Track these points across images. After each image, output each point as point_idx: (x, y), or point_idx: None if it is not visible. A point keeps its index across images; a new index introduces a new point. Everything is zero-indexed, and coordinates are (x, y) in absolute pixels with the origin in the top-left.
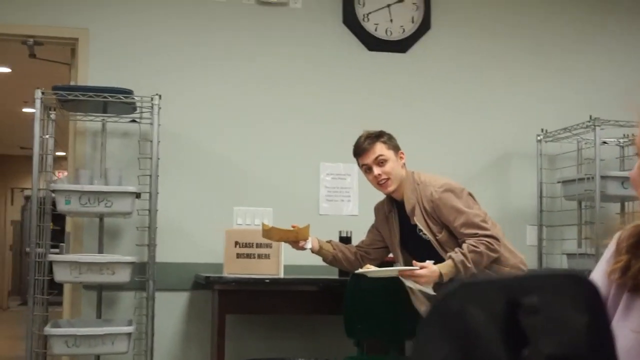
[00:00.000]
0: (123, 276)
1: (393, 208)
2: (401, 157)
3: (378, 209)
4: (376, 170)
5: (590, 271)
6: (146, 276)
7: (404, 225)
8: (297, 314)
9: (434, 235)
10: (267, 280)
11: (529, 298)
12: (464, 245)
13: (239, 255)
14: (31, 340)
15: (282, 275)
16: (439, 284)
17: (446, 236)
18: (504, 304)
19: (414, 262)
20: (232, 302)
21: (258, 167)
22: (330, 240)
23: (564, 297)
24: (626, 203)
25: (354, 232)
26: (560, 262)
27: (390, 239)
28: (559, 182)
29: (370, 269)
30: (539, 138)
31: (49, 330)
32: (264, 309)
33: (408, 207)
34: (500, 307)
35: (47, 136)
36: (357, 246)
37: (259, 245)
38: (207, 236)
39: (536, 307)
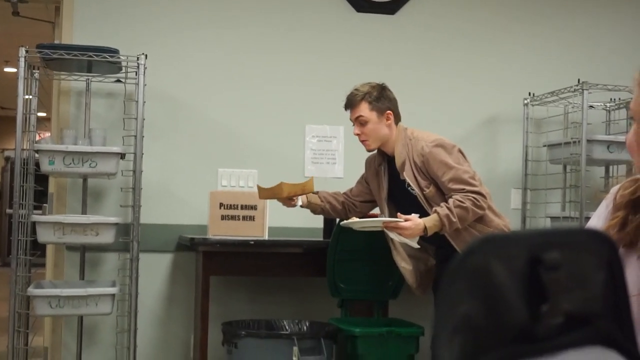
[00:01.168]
0: (107, 237)
1: (383, 162)
2: (387, 118)
3: (369, 161)
4: (356, 129)
5: None
6: (130, 237)
7: (392, 180)
8: (281, 275)
9: (422, 190)
10: (252, 242)
11: (550, 254)
12: (450, 200)
13: (223, 217)
14: (14, 301)
15: (266, 237)
16: (422, 238)
17: (433, 192)
18: (525, 260)
19: (398, 214)
20: (217, 263)
21: (243, 129)
22: (318, 192)
23: (584, 253)
24: (611, 167)
25: None
26: (544, 226)
27: (378, 193)
28: (544, 145)
29: (355, 220)
30: (525, 102)
31: (32, 291)
32: (249, 270)
33: (398, 162)
34: (521, 262)
35: (30, 96)
36: (344, 194)
37: (243, 207)
38: (191, 198)
39: (557, 263)
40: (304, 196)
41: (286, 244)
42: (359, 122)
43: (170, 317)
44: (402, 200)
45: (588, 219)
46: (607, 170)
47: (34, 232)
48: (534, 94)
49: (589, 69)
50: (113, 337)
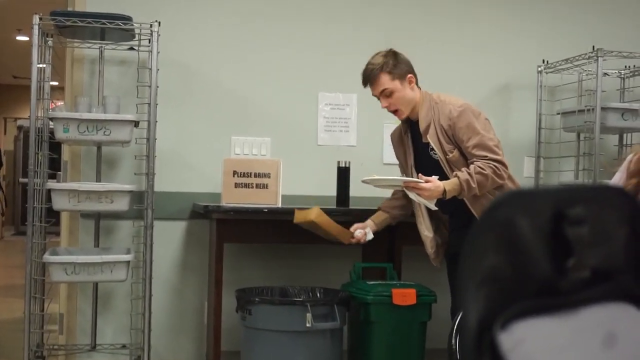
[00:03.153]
0: (121, 205)
1: (408, 128)
2: (410, 81)
3: (393, 134)
4: (383, 102)
5: None
6: (144, 205)
7: (416, 145)
8: (294, 243)
9: (445, 154)
10: (265, 210)
11: (575, 209)
12: (472, 166)
13: (237, 185)
14: (30, 268)
15: (280, 205)
16: (441, 200)
17: (457, 157)
18: (550, 215)
19: (419, 175)
20: (230, 231)
21: (257, 97)
22: (379, 208)
23: (608, 209)
24: (625, 135)
25: (352, 163)
26: None
27: (404, 161)
28: (558, 113)
29: (376, 177)
30: (539, 69)
31: (48, 257)
32: (262, 238)
33: (422, 126)
34: (546, 217)
35: (44, 64)
36: (393, 192)
37: (257, 175)
38: (205, 165)
39: (581, 218)
40: (371, 225)
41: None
42: (384, 95)
43: (184, 284)
44: (426, 165)
45: None
46: (620, 138)
47: (48, 199)
48: (547, 61)
49: (603, 36)
50: (128, 303)
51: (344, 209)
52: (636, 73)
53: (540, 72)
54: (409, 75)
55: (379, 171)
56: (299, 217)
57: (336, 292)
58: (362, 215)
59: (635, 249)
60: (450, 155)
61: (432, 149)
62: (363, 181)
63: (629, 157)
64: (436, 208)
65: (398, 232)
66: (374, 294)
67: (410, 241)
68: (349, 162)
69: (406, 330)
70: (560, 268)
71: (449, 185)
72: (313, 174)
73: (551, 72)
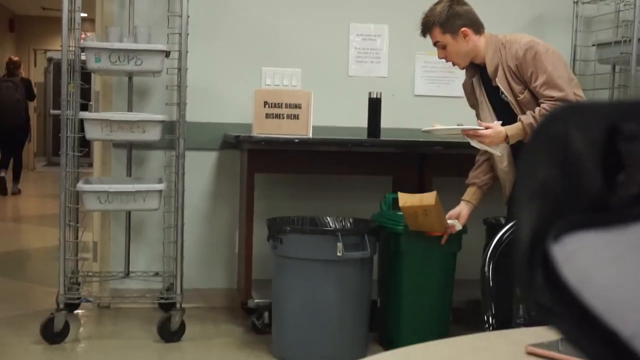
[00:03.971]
0: (153, 134)
1: (476, 73)
2: (464, 35)
3: (465, 84)
4: (439, 54)
5: None
6: (176, 135)
7: (488, 89)
8: (325, 173)
9: (515, 96)
10: (296, 140)
11: (630, 124)
12: (537, 109)
13: (267, 116)
14: (65, 196)
15: (310, 136)
16: (514, 145)
17: (528, 97)
18: (604, 129)
19: (478, 122)
20: (261, 161)
21: (287, 27)
22: (467, 185)
23: None
24: None
25: (384, 94)
26: None
27: (479, 107)
28: (594, 45)
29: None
30: (576, 0)
31: (81, 186)
32: (293, 168)
33: (490, 69)
34: (600, 131)
35: None
36: (476, 161)
37: (287, 106)
38: (236, 96)
39: (635, 134)
40: (464, 208)
41: (330, 142)
42: (439, 46)
43: (215, 214)
44: (499, 109)
45: None
46: None
47: (81, 130)
48: None
49: None
50: (160, 232)
51: (375, 140)
52: None
53: (577, 2)
54: (462, 29)
55: (409, 102)
56: (408, 200)
57: (367, 222)
58: (393, 146)
59: None
60: (521, 96)
61: (502, 92)
62: (423, 131)
63: None
64: (500, 154)
65: (428, 163)
66: (404, 224)
67: (440, 172)
68: (380, 93)
69: (436, 260)
70: (612, 184)
71: (511, 130)
72: (344, 105)
73: (587, 3)
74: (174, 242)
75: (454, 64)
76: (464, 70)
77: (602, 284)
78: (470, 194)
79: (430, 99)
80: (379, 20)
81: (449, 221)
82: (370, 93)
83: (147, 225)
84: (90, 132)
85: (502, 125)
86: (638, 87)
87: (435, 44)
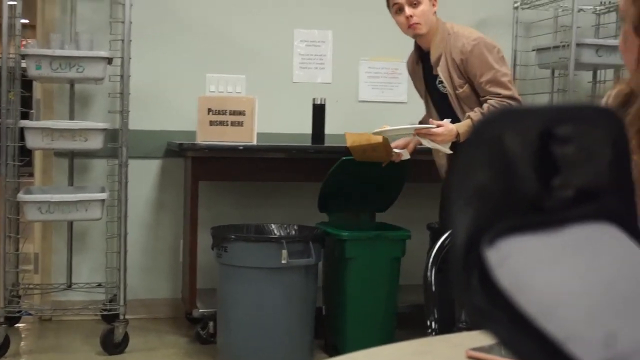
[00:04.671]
0: (96, 143)
1: (419, 60)
2: (434, 4)
3: (408, 62)
4: (408, 10)
5: None
6: (119, 143)
7: (427, 76)
8: (270, 181)
9: (454, 89)
10: (241, 147)
11: (563, 128)
12: (485, 106)
13: (212, 123)
14: (4, 207)
15: (255, 142)
16: (455, 143)
17: (467, 92)
18: (538, 132)
19: (430, 120)
20: (205, 169)
21: (232, 34)
22: (420, 123)
23: (594, 128)
24: (599, 71)
25: (328, 100)
26: None
27: (420, 91)
28: (533, 50)
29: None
30: (515, 5)
31: (22, 196)
32: (237, 176)
33: (433, 57)
34: (535, 134)
35: (14, 1)
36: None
37: (232, 113)
38: (179, 103)
39: (569, 136)
40: (414, 139)
41: (274, 149)
42: (411, 3)
43: (159, 223)
44: (435, 98)
45: None
46: (594, 75)
47: (21, 139)
48: None
49: None
50: (103, 242)
51: (319, 147)
52: (611, 9)
53: (517, 8)
54: None
55: (354, 108)
56: (356, 140)
57: (311, 229)
58: (338, 152)
59: (619, 169)
60: (460, 90)
61: (441, 82)
62: (374, 133)
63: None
64: (451, 152)
65: None
66: (349, 230)
67: None
68: (325, 100)
69: (380, 266)
70: (547, 186)
71: (462, 127)
72: (288, 112)
73: (527, 8)
74: (117, 252)
75: (415, 27)
76: (409, 60)
77: (536, 287)
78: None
79: (375, 105)
80: (323, 26)
81: (397, 150)
82: (314, 99)
83: (90, 235)
84: (31, 141)
85: (442, 119)
86: (576, 91)
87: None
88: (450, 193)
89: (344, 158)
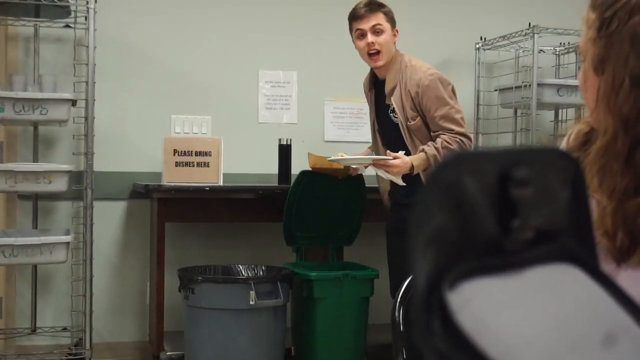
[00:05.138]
0: (60, 185)
1: (372, 87)
2: (395, 35)
3: (364, 84)
4: (370, 38)
5: None
6: (84, 185)
7: (378, 104)
8: (236, 221)
9: (406, 120)
10: (207, 188)
11: (520, 170)
12: (438, 140)
13: (177, 164)
14: None
15: (221, 183)
16: (408, 175)
17: (419, 125)
18: (496, 175)
19: (387, 152)
20: (172, 210)
21: (196, 75)
22: (370, 147)
23: (551, 170)
24: (560, 110)
25: (294, 140)
26: None
27: (370, 116)
28: (496, 90)
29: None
30: (477, 46)
31: None
32: (204, 216)
33: (388, 87)
34: (492, 178)
35: None
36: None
37: (198, 154)
38: (145, 144)
39: (526, 179)
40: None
41: (241, 189)
42: (375, 30)
43: (125, 265)
44: (384, 126)
45: None
46: (556, 114)
47: None
48: (485, 38)
49: (539, 13)
50: (68, 285)
51: (286, 187)
52: (571, 50)
53: (478, 49)
54: (396, 29)
55: (320, 149)
56: (317, 162)
57: (279, 270)
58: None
59: (576, 210)
60: (412, 122)
61: (393, 111)
62: (330, 159)
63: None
64: (404, 184)
65: None
66: (317, 270)
67: None
68: (290, 140)
69: (349, 305)
70: (506, 229)
71: (417, 160)
72: (254, 152)
73: (488, 49)
74: (82, 295)
75: (376, 55)
76: (365, 81)
77: (498, 329)
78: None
79: (340, 145)
80: (288, 67)
81: (354, 165)
82: (280, 140)
83: (55, 278)
84: None
85: (393, 150)
86: (539, 130)
87: (373, 26)
88: (410, 236)
89: (302, 170)
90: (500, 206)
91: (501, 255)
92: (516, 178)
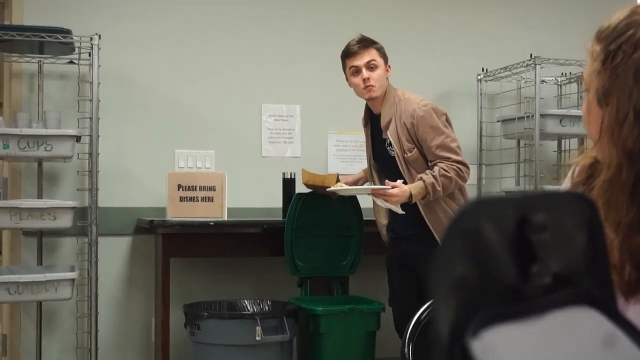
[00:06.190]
0: (65, 221)
1: (369, 121)
2: (387, 70)
3: (362, 120)
4: (365, 73)
5: None
6: (88, 221)
7: (375, 139)
8: (241, 256)
9: (403, 152)
10: (212, 223)
11: (538, 215)
12: (435, 169)
13: (182, 199)
14: None
15: (226, 218)
16: (407, 204)
17: (415, 156)
18: (514, 221)
19: (386, 181)
20: (177, 245)
21: (199, 109)
22: (364, 170)
23: (568, 214)
24: (563, 140)
25: (297, 174)
26: None
27: (367, 151)
28: (498, 121)
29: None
30: (479, 77)
31: None
32: (209, 251)
33: (384, 121)
34: (511, 224)
35: None
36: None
37: (202, 188)
38: (149, 180)
39: (544, 224)
40: (364, 177)
41: (245, 224)
42: (369, 66)
43: (130, 301)
44: (382, 160)
45: None
46: (559, 144)
47: None
48: (487, 70)
49: (540, 44)
50: (73, 322)
51: None
52: (572, 80)
53: (480, 80)
54: (389, 64)
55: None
56: (310, 179)
57: (285, 304)
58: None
59: (593, 252)
60: (409, 154)
61: (390, 145)
62: (328, 190)
63: (571, 170)
64: (403, 212)
65: None
66: (323, 304)
67: None
68: (294, 174)
69: (355, 340)
70: (526, 274)
71: (415, 189)
72: (258, 186)
73: (491, 80)
74: (87, 332)
75: (370, 89)
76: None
77: None
78: (361, 174)
79: (344, 178)
80: (290, 100)
81: (354, 194)
82: (284, 173)
83: (59, 314)
84: None
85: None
86: (542, 160)
87: (367, 62)
88: (433, 284)
89: (298, 193)
90: (520, 252)
91: (521, 301)
92: (534, 223)
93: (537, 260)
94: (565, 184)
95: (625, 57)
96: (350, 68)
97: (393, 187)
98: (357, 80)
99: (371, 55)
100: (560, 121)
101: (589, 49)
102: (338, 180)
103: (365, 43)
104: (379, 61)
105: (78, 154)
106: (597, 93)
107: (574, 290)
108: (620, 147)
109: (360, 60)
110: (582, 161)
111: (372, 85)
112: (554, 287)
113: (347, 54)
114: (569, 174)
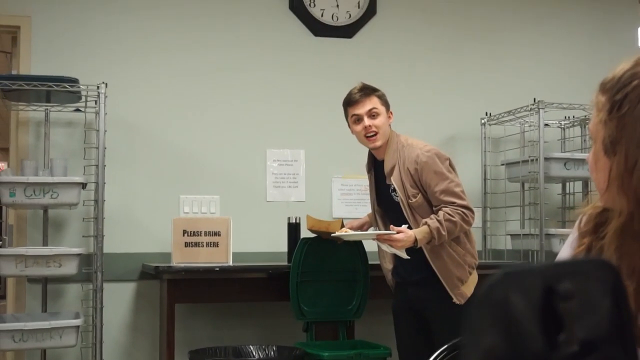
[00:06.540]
0: (70, 268)
1: (372, 167)
2: (389, 117)
3: (366, 166)
4: (367, 121)
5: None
6: (93, 267)
7: (379, 185)
8: (247, 301)
9: (407, 198)
10: (217, 269)
11: (564, 284)
12: (440, 213)
13: (187, 244)
14: None
15: (231, 263)
16: (412, 249)
17: (420, 202)
18: (541, 291)
19: (391, 226)
20: (182, 291)
21: (204, 155)
22: (369, 214)
23: (593, 281)
24: (567, 183)
25: (302, 219)
26: (505, 243)
27: (370, 197)
28: (502, 164)
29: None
30: (483, 121)
31: None
32: (214, 297)
33: (387, 167)
34: (538, 294)
35: None
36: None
37: (207, 234)
38: (154, 225)
39: (570, 293)
40: (369, 221)
41: (251, 269)
42: (371, 114)
43: (135, 347)
44: (386, 205)
45: (548, 235)
46: (564, 187)
47: None
48: (490, 114)
49: (543, 88)
50: None
51: None
52: (576, 123)
53: (484, 124)
54: (390, 111)
55: None
56: (315, 225)
57: (291, 350)
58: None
59: (618, 318)
60: (413, 200)
61: (394, 191)
62: (333, 236)
63: (579, 219)
64: (408, 257)
65: None
66: (329, 349)
67: None
68: (299, 218)
69: None
70: (553, 343)
71: (420, 233)
72: (263, 231)
73: (494, 124)
74: None
75: (374, 137)
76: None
77: None
78: (366, 219)
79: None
80: (295, 145)
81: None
82: (289, 218)
83: None
84: (4, 268)
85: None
86: (547, 204)
87: (369, 110)
88: (463, 355)
89: (303, 238)
90: (547, 321)
91: None
92: (560, 292)
93: (564, 329)
94: (573, 234)
95: (632, 107)
96: (352, 116)
97: (398, 232)
98: (359, 128)
99: (372, 103)
100: (565, 164)
101: (594, 100)
102: (343, 226)
103: (367, 91)
104: (381, 109)
105: (84, 200)
106: (604, 143)
107: (600, 356)
108: (631, 195)
109: (362, 109)
110: (589, 210)
111: (375, 134)
112: (581, 354)
113: (349, 102)
114: (576, 223)
